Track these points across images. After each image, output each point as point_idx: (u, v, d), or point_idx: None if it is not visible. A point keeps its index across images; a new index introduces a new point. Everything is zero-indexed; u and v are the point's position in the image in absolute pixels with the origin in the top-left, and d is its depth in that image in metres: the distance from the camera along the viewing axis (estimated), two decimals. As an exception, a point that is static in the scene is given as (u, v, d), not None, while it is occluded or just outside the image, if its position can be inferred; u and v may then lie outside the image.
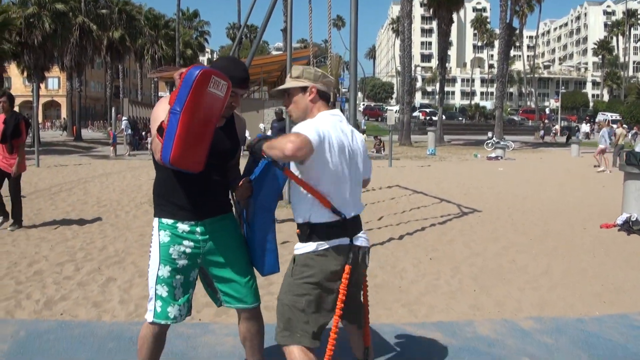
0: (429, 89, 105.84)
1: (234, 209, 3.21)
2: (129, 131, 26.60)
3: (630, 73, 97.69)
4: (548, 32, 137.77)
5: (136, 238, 7.63)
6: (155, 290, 2.96)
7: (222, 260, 3.04)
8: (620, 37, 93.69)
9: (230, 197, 3.18)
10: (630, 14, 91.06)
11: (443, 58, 46.02)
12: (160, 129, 2.71)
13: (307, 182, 2.75)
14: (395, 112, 48.89)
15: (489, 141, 34.96)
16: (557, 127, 53.45)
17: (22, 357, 3.77)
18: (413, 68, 58.61)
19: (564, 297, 5.40)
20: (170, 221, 2.97)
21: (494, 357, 3.94)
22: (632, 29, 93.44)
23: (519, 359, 3.91)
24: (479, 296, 5.41)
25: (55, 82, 66.47)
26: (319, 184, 2.74)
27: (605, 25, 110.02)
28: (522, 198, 12.48)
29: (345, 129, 2.89)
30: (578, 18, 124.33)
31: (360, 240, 2.87)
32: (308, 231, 2.80)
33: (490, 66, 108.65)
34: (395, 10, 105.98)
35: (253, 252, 3.10)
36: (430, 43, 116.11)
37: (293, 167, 2.82)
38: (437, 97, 51.07)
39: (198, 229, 2.97)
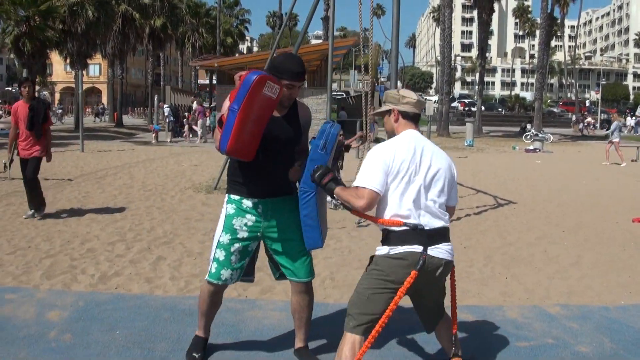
0: (469, 79, 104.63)
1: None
2: (171, 118, 27.20)
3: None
4: (590, 21, 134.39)
5: (182, 221, 8.03)
6: (215, 253, 3.45)
7: (279, 236, 3.48)
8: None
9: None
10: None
11: (483, 48, 45.40)
12: (220, 122, 3.19)
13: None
14: (434, 102, 48.66)
15: (527, 133, 34.59)
16: (590, 119, 51.91)
17: (82, 323, 4.15)
18: (453, 58, 58.02)
19: (592, 287, 5.58)
20: (237, 197, 3.46)
21: (520, 338, 4.17)
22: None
23: (544, 341, 4.13)
24: (509, 283, 5.63)
25: (97, 69, 67.94)
26: (392, 208, 3.05)
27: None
28: (557, 191, 12.51)
29: (425, 148, 3.14)
30: (620, 7, 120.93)
31: (437, 251, 3.04)
32: (385, 236, 3.12)
33: (531, 56, 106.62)
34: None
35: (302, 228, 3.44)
36: (470, 32, 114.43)
37: None
38: (476, 87, 50.51)
39: (260, 206, 3.44)
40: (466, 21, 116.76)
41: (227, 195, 3.53)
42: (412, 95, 3.26)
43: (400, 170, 3.01)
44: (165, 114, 27.81)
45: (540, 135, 30.41)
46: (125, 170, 13.85)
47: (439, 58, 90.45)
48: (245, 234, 3.42)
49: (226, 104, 3.23)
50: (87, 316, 4.27)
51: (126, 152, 19.26)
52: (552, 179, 15.02)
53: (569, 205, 10.62)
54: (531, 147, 27.17)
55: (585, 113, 61.12)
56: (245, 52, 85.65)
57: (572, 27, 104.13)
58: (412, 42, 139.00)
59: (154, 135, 24.82)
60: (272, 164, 3.37)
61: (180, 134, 27.46)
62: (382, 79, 59.13)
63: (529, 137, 32.74)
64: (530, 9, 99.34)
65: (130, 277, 5.41)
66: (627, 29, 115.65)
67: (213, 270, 3.45)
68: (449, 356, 3.32)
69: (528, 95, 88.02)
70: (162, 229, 7.52)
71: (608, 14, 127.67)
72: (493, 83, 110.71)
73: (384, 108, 3.31)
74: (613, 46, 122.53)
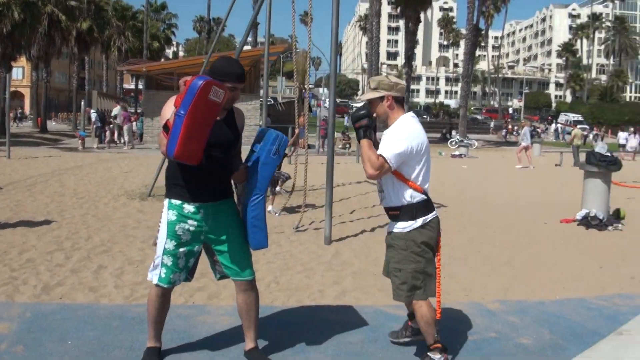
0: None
1: (235, 193, 3.70)
2: (99, 124, 26.40)
3: (594, 75, 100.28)
4: (513, 32, 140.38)
5: (119, 229, 7.88)
6: (162, 259, 3.50)
7: (222, 238, 3.55)
8: (585, 40, 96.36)
9: (232, 182, 3.67)
10: (595, 17, 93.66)
11: (410, 57, 46.74)
12: (165, 127, 3.23)
13: (402, 174, 3.52)
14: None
15: (452, 139, 35.81)
16: (511, 126, 54.22)
17: (32, 334, 4.02)
18: (379, 66, 59.22)
19: (526, 283, 5.91)
20: (177, 202, 3.46)
21: (464, 333, 4.37)
22: (596, 32, 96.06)
23: (487, 335, 4.35)
24: (447, 282, 5.83)
25: (20, 72, 64.97)
26: (412, 176, 3.51)
27: (570, 28, 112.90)
28: (485, 194, 13.07)
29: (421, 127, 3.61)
30: (543, 20, 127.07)
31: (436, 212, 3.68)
32: (413, 211, 3.53)
33: (455, 65, 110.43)
34: (362, 8, 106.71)
35: (246, 229, 3.56)
36: (396, 41, 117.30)
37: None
38: (403, 95, 51.66)
39: (201, 210, 3.47)
40: (392, 30, 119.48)
41: (166, 200, 3.52)
42: (402, 82, 3.59)
43: (419, 151, 3.48)
44: (92, 119, 26.96)
45: (465, 141, 31.53)
46: (55, 177, 13.37)
47: (365, 66, 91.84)
48: (188, 238, 3.47)
49: (169, 108, 3.29)
50: (36, 327, 4.15)
51: (53, 158, 18.58)
52: (479, 183, 15.64)
53: (497, 207, 11.11)
54: (457, 153, 28.14)
55: (509, 120, 63.79)
56: (171, 56, 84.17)
57: (496, 37, 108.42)
58: (338, 50, 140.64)
59: (80, 141, 24.01)
60: (213, 167, 3.43)
61: (110, 140, 26.57)
62: (310, 85, 59.59)
63: (454, 143, 33.93)
64: (454, 20, 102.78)
65: (73, 286, 5.29)
66: (550, 41, 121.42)
67: (162, 275, 3.50)
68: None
69: (452, 103, 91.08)
70: (99, 237, 7.35)
71: (531, 26, 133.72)
72: (418, 91, 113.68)
73: (377, 94, 3.54)
74: (536, 57, 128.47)
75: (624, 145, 32.91)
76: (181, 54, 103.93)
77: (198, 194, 3.44)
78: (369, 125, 3.54)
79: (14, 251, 6.45)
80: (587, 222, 9.08)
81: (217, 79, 3.28)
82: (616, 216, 9.36)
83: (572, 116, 60.09)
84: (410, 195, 3.52)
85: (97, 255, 6.42)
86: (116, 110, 26.31)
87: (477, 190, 13.93)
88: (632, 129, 35.49)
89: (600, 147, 9.66)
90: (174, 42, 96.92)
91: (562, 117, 61.58)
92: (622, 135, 35.45)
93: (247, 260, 3.62)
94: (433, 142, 40.95)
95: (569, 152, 25.20)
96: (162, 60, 55.50)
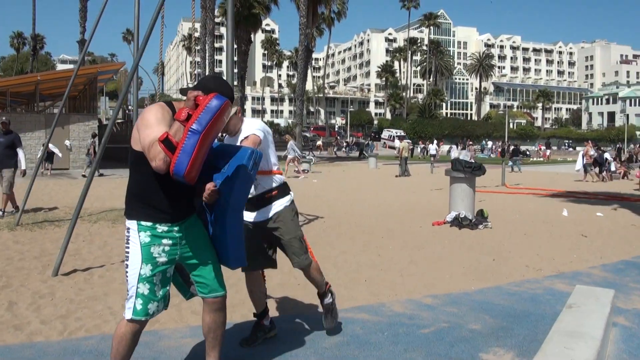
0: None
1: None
2: None
3: (411, 94, 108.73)
4: (333, 55, 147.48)
5: (5, 262, 7.05)
6: (137, 288, 3.20)
7: (195, 255, 3.39)
8: (402, 62, 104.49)
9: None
10: (411, 41, 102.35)
11: (242, 76, 47.26)
12: (167, 141, 2.98)
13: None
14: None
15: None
16: (345, 142, 57.72)
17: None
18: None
19: (440, 278, 6.41)
20: (149, 223, 3.23)
21: (420, 326, 4.68)
22: (413, 55, 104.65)
23: (440, 326, 4.69)
24: (370, 284, 6.15)
25: None
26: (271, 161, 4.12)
27: (387, 50, 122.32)
28: (350, 205, 13.69)
29: None
30: (361, 43, 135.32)
31: None
32: (286, 188, 4.19)
33: (279, 85, 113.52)
34: (185, 27, 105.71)
35: (224, 248, 3.45)
36: (220, 61, 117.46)
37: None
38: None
39: (175, 229, 3.29)
40: (216, 50, 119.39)
41: (133, 222, 3.25)
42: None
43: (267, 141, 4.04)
44: None
45: (307, 157, 32.53)
46: None
47: (190, 85, 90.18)
48: (165, 259, 3.26)
49: (160, 116, 3.11)
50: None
51: None
52: (338, 195, 16.32)
53: (368, 216, 11.71)
54: (301, 169, 28.94)
55: (338, 137, 66.93)
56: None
57: (316, 59, 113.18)
58: (160, 69, 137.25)
59: None
60: (183, 185, 3.24)
61: None
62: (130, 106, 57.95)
63: (293, 159, 34.91)
64: (278, 42, 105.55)
65: (-9, 326, 4.70)
66: (368, 62, 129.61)
67: (138, 307, 3.19)
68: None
69: (281, 122, 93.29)
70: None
71: (350, 48, 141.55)
72: (244, 110, 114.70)
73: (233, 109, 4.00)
74: (355, 77, 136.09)
75: (434, 156, 37.83)
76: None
77: (172, 212, 3.26)
78: None
79: None
80: (459, 222, 9.95)
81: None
82: (481, 216, 10.36)
83: (395, 131, 64.70)
84: (279, 176, 4.17)
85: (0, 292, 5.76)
86: None
87: (340, 201, 14.52)
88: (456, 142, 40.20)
89: (464, 155, 10.65)
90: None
91: (386, 133, 66.02)
92: (431, 147, 41.23)
93: (221, 275, 3.51)
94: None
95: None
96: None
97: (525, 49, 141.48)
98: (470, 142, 56.50)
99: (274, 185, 4.13)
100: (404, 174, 24.67)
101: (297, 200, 12.71)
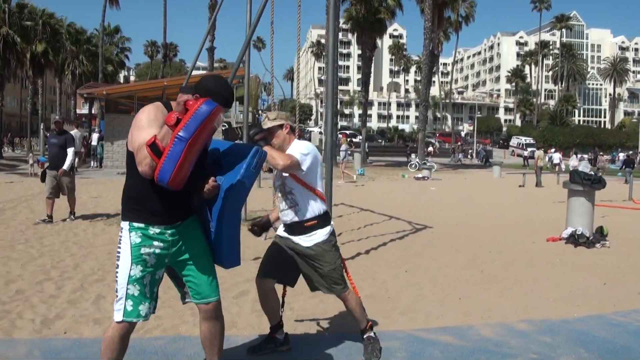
0: (347, 111, 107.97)
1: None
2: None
3: (542, 100, 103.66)
4: (461, 59, 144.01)
5: (106, 256, 7.45)
6: (127, 289, 3.14)
7: (188, 259, 3.28)
8: (533, 66, 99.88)
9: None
10: (542, 45, 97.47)
11: (366, 82, 47.25)
12: (154, 146, 2.89)
13: (309, 184, 3.97)
14: (319, 132, 49.67)
15: (412, 162, 36.25)
16: (471, 149, 55.85)
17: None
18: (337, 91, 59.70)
19: (542, 301, 5.83)
20: (141, 224, 3.16)
21: (505, 355, 4.24)
22: (544, 59, 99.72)
23: (528, 356, 4.22)
24: (465, 303, 5.74)
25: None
26: (317, 185, 4.02)
27: (518, 54, 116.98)
28: (464, 215, 13.10)
29: None
30: (491, 47, 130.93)
31: None
32: (327, 218, 4.09)
33: (407, 91, 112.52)
34: (314, 34, 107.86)
35: (219, 247, 3.33)
36: (347, 67, 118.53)
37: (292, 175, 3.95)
38: (354, 119, 52.25)
39: (168, 232, 3.19)
40: (343, 56, 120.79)
41: (126, 222, 3.19)
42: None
43: (316, 163, 3.98)
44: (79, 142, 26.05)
45: (428, 164, 31.88)
46: (23, 203, 12.75)
47: (318, 91, 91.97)
48: (154, 262, 3.17)
49: (152, 118, 3.02)
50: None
51: (15, 184, 17.79)
52: (453, 203, 15.72)
53: (481, 227, 11.11)
54: (420, 175, 28.40)
55: (462, 144, 65.16)
56: (122, 81, 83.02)
57: (445, 64, 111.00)
58: (290, 75, 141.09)
59: (40, 167, 23.07)
60: (184, 189, 3.11)
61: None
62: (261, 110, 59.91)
63: (413, 165, 34.32)
64: (405, 47, 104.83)
65: (75, 319, 4.89)
66: (498, 67, 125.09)
67: (129, 308, 3.13)
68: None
69: (406, 127, 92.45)
70: (88, 265, 6.94)
71: (479, 52, 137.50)
72: (370, 115, 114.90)
73: (277, 122, 4.01)
74: (484, 82, 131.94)
75: (558, 165, 35.45)
76: (132, 78, 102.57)
77: (166, 215, 3.16)
78: (265, 139, 3.92)
79: (0, 281, 6.01)
80: (575, 240, 9.14)
81: (204, 97, 3.03)
82: (600, 233, 9.47)
83: (524, 139, 61.80)
84: (321, 204, 4.05)
85: (92, 285, 6.04)
86: (74, 133, 25.55)
87: (454, 210, 13.97)
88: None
89: (584, 167, 9.80)
90: (127, 67, 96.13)
91: (514, 140, 63.26)
92: (555, 156, 38.62)
93: (216, 279, 3.37)
94: (390, 165, 41.39)
95: (530, 173, 25.87)
96: (117, 83, 54.58)
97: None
98: (601, 153, 52.55)
99: (316, 214, 4.03)
100: (539, 184, 23.57)
101: (411, 209, 12.37)
